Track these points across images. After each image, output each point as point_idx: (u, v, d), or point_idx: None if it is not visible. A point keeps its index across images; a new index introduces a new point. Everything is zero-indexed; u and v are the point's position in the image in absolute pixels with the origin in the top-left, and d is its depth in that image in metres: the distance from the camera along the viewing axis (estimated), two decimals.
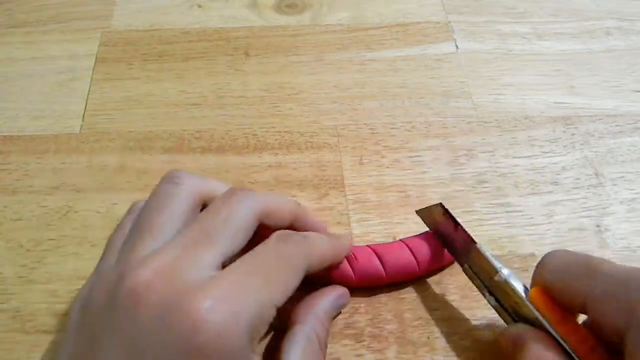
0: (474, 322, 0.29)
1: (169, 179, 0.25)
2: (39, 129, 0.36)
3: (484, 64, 0.41)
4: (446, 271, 0.30)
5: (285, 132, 0.36)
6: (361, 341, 0.28)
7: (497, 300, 0.26)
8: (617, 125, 0.37)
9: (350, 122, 0.37)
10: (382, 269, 0.28)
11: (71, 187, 0.34)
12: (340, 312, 0.29)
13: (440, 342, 0.28)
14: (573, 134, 0.37)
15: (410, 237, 0.30)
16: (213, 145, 0.36)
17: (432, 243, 0.29)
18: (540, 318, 0.24)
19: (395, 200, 0.33)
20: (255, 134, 0.36)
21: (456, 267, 0.30)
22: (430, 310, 0.29)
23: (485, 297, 0.27)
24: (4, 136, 0.36)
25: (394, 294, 0.30)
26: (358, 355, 0.28)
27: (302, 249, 0.24)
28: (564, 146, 0.36)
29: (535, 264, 0.30)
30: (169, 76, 0.40)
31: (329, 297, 0.27)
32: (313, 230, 0.27)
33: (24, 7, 0.44)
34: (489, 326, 0.29)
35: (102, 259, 0.25)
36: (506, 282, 0.26)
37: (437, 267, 0.30)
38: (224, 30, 0.43)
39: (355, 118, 0.37)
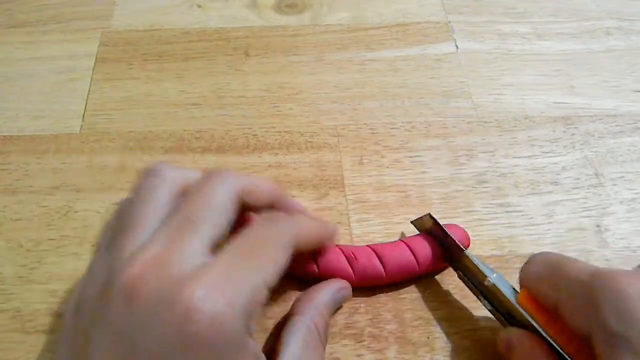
0: (474, 322, 0.29)
1: (148, 172, 0.25)
2: (39, 129, 0.36)
3: (484, 64, 0.41)
4: (446, 271, 0.30)
5: (285, 132, 0.36)
6: (361, 341, 0.28)
7: (491, 304, 0.27)
8: (617, 125, 0.37)
9: (350, 122, 0.37)
10: (382, 269, 0.28)
11: (71, 187, 0.34)
12: (341, 306, 0.29)
13: (440, 342, 0.28)
14: (573, 134, 0.37)
15: (411, 236, 0.30)
16: (213, 145, 0.36)
17: (432, 243, 0.29)
18: (530, 320, 0.24)
19: (395, 200, 0.33)
20: (255, 134, 0.36)
21: None
22: (430, 310, 0.29)
23: (480, 301, 0.27)
24: (4, 136, 0.36)
25: (394, 293, 0.30)
26: (358, 355, 0.28)
27: (287, 226, 0.24)
28: (564, 146, 0.36)
29: None
30: (169, 76, 0.40)
31: (329, 289, 0.27)
32: (292, 210, 0.27)
33: (24, 7, 0.44)
34: (489, 326, 0.28)
35: (92, 259, 0.24)
36: (495, 287, 0.26)
37: (437, 267, 0.30)
38: (224, 30, 0.43)
39: (355, 118, 0.37)
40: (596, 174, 0.35)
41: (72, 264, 0.30)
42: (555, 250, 0.31)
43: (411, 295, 0.30)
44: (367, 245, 0.29)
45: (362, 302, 0.29)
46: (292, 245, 0.23)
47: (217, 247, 0.22)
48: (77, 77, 0.39)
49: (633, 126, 0.37)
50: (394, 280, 0.29)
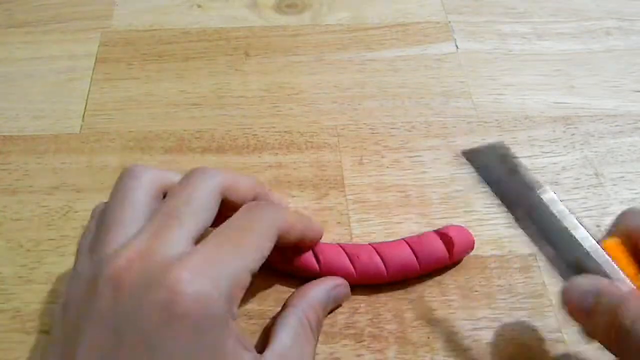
0: (474, 322, 0.29)
1: (127, 173, 0.25)
2: (39, 129, 0.36)
3: (484, 64, 0.41)
4: (446, 271, 0.30)
5: (285, 132, 0.36)
6: (361, 341, 0.28)
7: (556, 249, 0.24)
8: (617, 125, 0.37)
9: (350, 122, 0.37)
10: (384, 267, 0.28)
11: (71, 187, 0.34)
12: (341, 305, 0.29)
13: (440, 342, 0.28)
14: (573, 134, 0.37)
15: (412, 236, 0.30)
16: (213, 145, 0.36)
17: (433, 242, 0.29)
18: (616, 268, 0.22)
19: (395, 200, 0.33)
20: (255, 134, 0.36)
21: (456, 267, 0.31)
22: (430, 310, 0.29)
23: (540, 248, 0.25)
24: (4, 136, 0.36)
25: (394, 293, 0.30)
26: (358, 355, 0.28)
27: (270, 213, 0.25)
28: (564, 146, 0.36)
29: (535, 264, 0.31)
30: (169, 76, 0.40)
31: (323, 286, 0.28)
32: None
33: (24, 7, 0.44)
34: (489, 326, 0.29)
35: (75, 262, 0.25)
36: (578, 224, 0.23)
37: (438, 266, 0.30)
38: (224, 30, 0.43)
39: (355, 118, 0.37)
40: (596, 174, 0.35)
41: (72, 264, 0.30)
42: None
43: (411, 295, 0.30)
44: (369, 244, 0.29)
45: (362, 302, 0.29)
46: (275, 232, 0.24)
47: (200, 240, 0.23)
48: (77, 77, 0.39)
49: (633, 126, 0.37)
50: (395, 278, 0.29)
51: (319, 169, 0.35)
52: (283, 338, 0.24)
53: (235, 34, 0.42)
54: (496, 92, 0.39)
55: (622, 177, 0.35)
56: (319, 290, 0.27)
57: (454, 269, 0.30)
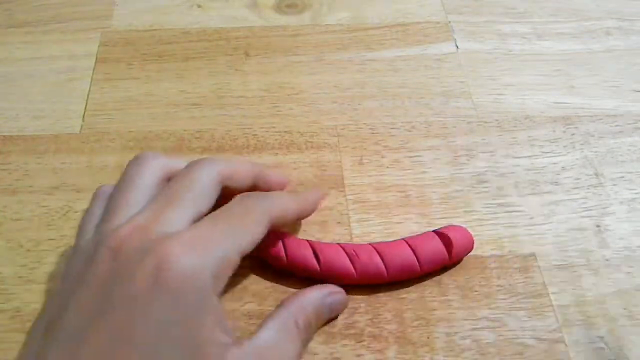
0: (474, 322, 0.29)
1: (136, 160, 0.27)
2: (39, 129, 0.36)
3: (484, 64, 0.41)
4: (446, 271, 0.30)
5: (285, 132, 0.36)
6: (361, 341, 0.28)
7: None
8: (617, 125, 0.37)
9: (350, 122, 0.37)
10: (384, 267, 0.28)
11: (71, 187, 0.34)
12: (336, 316, 0.29)
13: (440, 342, 0.28)
14: (573, 134, 0.37)
15: (413, 236, 0.30)
16: (213, 145, 0.36)
17: (433, 242, 0.29)
18: None
19: (395, 200, 0.33)
20: (255, 134, 0.36)
21: (456, 267, 0.31)
22: (430, 310, 0.29)
23: None
24: (4, 136, 0.36)
25: (394, 293, 0.30)
26: (358, 355, 0.28)
27: (263, 202, 0.26)
28: (564, 146, 0.36)
29: (535, 264, 0.31)
30: (169, 76, 0.40)
31: (319, 291, 0.28)
32: (275, 188, 0.29)
33: (24, 7, 0.44)
34: (489, 326, 0.29)
35: (76, 239, 0.26)
36: None
37: (438, 266, 0.30)
38: (224, 30, 0.43)
39: (355, 118, 0.37)
40: (596, 174, 0.35)
41: None
42: (555, 250, 0.31)
43: (411, 295, 0.30)
44: (369, 243, 0.29)
45: (362, 302, 0.29)
46: (268, 218, 0.25)
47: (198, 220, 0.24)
48: (77, 77, 0.39)
49: (633, 126, 0.37)
50: (395, 279, 0.29)
51: (319, 169, 0.35)
52: (265, 334, 0.25)
53: (235, 34, 0.42)
54: (496, 92, 0.39)
55: (622, 177, 0.35)
56: (313, 294, 0.27)
57: (453, 269, 0.30)
